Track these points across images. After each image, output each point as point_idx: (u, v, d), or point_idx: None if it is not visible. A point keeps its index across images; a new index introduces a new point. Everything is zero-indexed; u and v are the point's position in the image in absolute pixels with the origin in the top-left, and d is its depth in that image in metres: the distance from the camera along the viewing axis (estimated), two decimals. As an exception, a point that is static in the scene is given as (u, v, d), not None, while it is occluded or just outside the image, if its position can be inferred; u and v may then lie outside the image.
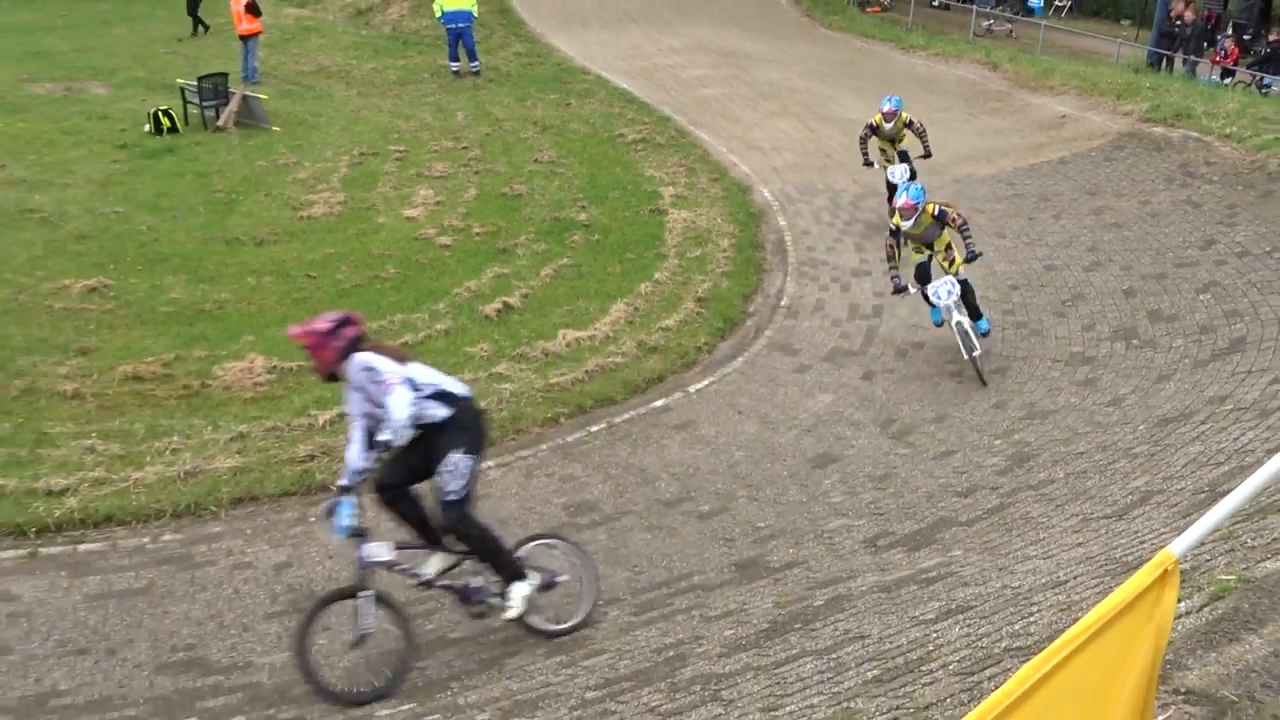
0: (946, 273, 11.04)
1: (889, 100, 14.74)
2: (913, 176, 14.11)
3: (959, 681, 4.79)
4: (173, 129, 17.61)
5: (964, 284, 11.04)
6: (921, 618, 5.95)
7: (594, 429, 10.30)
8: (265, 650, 7.40)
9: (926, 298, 11.24)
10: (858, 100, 20.76)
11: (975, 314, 11.19)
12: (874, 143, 15.08)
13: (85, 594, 8.00)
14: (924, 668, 5.11)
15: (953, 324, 10.95)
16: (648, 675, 6.15)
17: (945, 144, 18.06)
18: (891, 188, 14.22)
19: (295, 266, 13.35)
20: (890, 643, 5.68)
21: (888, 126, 14.72)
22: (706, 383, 11.19)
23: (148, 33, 23.77)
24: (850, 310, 12.72)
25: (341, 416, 10.08)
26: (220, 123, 18.01)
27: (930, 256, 11.44)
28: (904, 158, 14.85)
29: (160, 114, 17.58)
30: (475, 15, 22.09)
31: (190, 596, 8.01)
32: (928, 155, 14.95)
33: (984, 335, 11.27)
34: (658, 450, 10.01)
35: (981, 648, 5.16)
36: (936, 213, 10.90)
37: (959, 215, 11.05)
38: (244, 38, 20.66)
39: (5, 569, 8.21)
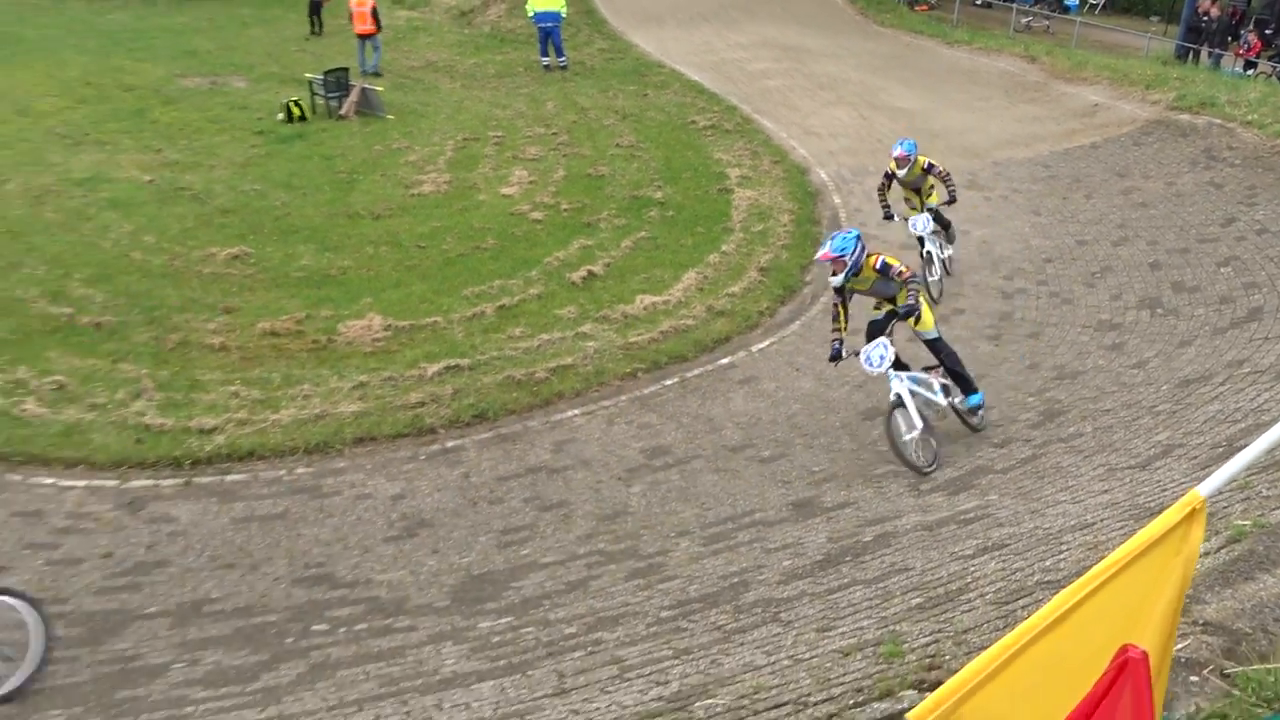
0: (912, 330, 8.62)
1: (900, 144, 11.69)
2: (945, 227, 12.14)
3: (995, 609, 4.75)
4: (302, 117, 17.77)
5: (937, 345, 8.57)
6: (960, 553, 5.90)
7: (668, 383, 10.31)
8: (383, 569, 7.57)
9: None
10: (907, 90, 20.34)
11: (964, 385, 8.66)
12: (898, 191, 12.27)
13: (232, 517, 8.24)
14: (963, 597, 5.08)
15: (891, 395, 8.18)
16: (715, 598, 6.18)
17: (986, 130, 17.66)
18: (920, 241, 11.84)
19: (407, 238, 13.47)
20: (932, 574, 5.64)
21: (901, 173, 11.73)
22: (768, 343, 11.12)
23: (281, 33, 23.98)
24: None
25: (450, 369, 10.25)
26: (342, 112, 18.15)
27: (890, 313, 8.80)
28: (927, 211, 11.91)
29: (291, 104, 17.75)
30: (563, 15, 21.95)
31: (320, 521, 8.22)
32: (951, 201, 11.86)
33: (973, 410, 8.72)
34: (724, 402, 9.99)
35: (1015, 580, 5.10)
36: (879, 266, 8.22)
37: (905, 268, 8.31)
38: (364, 36, 20.80)
39: (166, 495, 8.50)
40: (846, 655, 4.54)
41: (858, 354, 8.20)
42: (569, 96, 19.92)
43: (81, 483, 8.62)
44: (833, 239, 8.34)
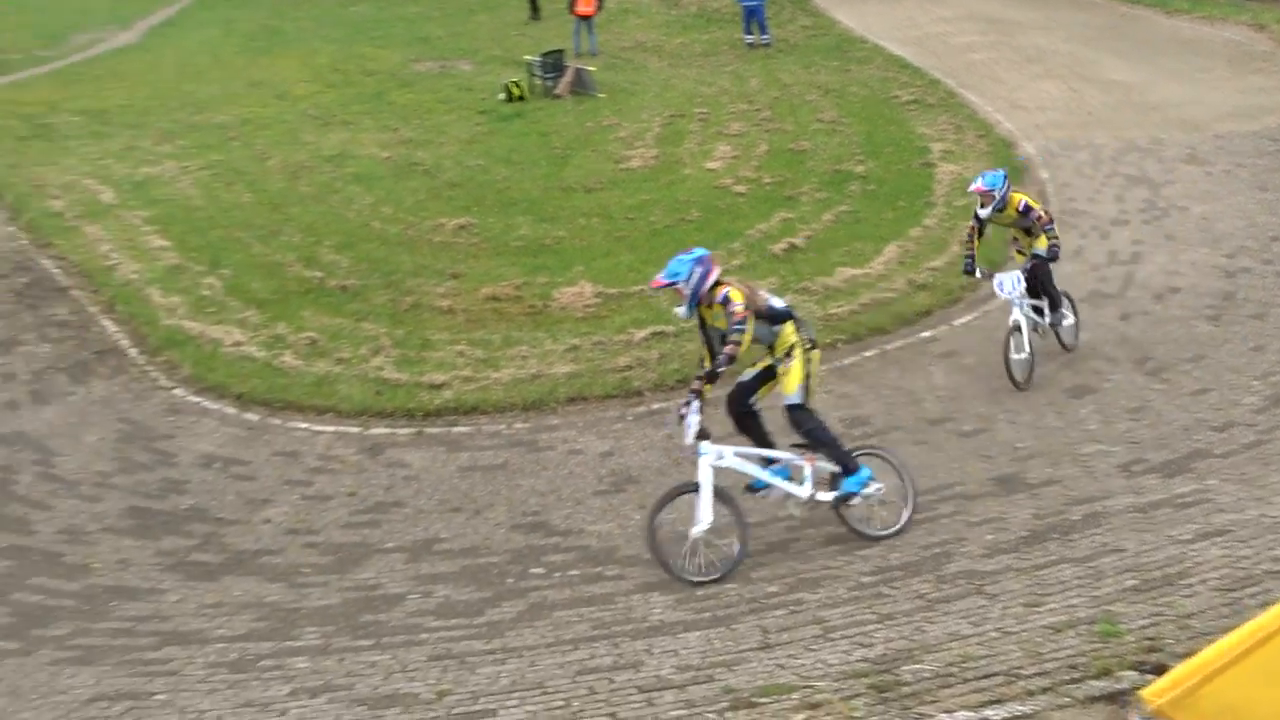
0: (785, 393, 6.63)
1: (981, 177, 9.29)
2: (1046, 289, 9.29)
3: (1219, 596, 4.42)
4: (521, 97, 18.26)
5: (796, 416, 6.56)
6: (1178, 538, 5.52)
7: (867, 354, 10.09)
8: (593, 520, 7.76)
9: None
10: (1121, 62, 19.02)
11: (840, 463, 6.62)
12: (1007, 236, 10.12)
13: (458, 466, 8.65)
14: (1183, 582, 4.75)
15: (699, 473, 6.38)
16: (916, 567, 6.02)
17: (1208, 102, 16.33)
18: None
19: (617, 210, 13.67)
20: (1147, 557, 5.30)
21: (984, 212, 9.18)
22: (970, 318, 10.69)
23: (503, 18, 24.75)
24: (1109, 256, 11.75)
25: (656, 335, 10.36)
26: (558, 91, 18.56)
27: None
28: (1036, 260, 9.25)
29: (511, 85, 18.29)
30: (768, -6, 21.71)
31: (536, 473, 8.50)
32: (1051, 258, 9.20)
33: (844, 500, 6.64)
34: (924, 375, 9.67)
35: (1242, 569, 4.73)
36: (722, 298, 6.43)
37: (742, 307, 6.32)
38: (583, 18, 21.15)
39: (401, 443, 9.01)
40: (1058, 632, 4.33)
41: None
42: (772, 73, 19.67)
43: (330, 428, 9.26)
44: (677, 291, 6.47)
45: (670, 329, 10.45)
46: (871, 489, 6.65)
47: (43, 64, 21.58)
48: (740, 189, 14.13)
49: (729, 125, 16.67)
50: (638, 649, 5.20)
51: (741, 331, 6.32)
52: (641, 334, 10.42)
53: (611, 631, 5.60)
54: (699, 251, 6.60)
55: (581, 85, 18.68)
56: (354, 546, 7.50)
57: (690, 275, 6.44)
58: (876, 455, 6.95)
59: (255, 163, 15.45)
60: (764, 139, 16.01)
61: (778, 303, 6.75)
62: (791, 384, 6.58)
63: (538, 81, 18.80)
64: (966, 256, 9.53)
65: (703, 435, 6.45)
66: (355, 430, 9.24)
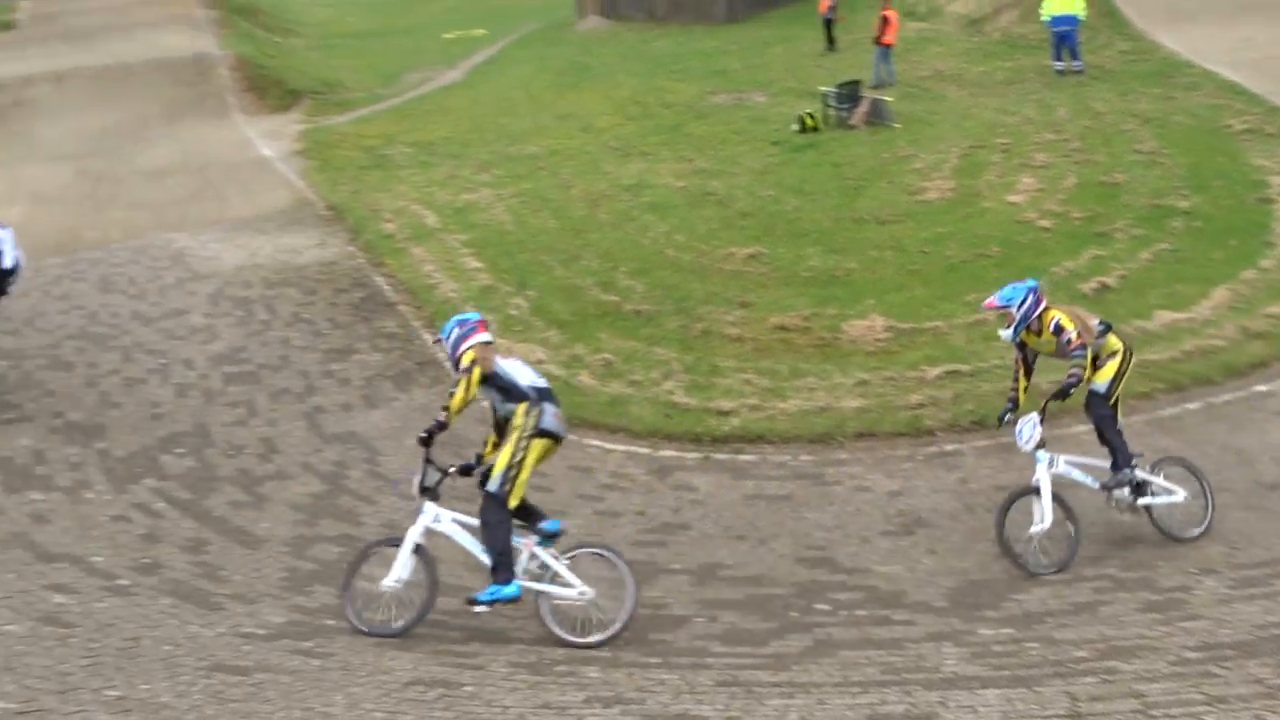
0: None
1: (999, 292, 7.44)
2: (1115, 463, 7.29)
3: None
4: (814, 128, 18.22)
5: (488, 501, 6.32)
6: None
7: (1190, 406, 9.24)
8: (881, 560, 7.59)
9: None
10: None
11: (495, 568, 6.35)
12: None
13: (743, 493, 8.74)
14: None
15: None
16: (1252, 648, 5.39)
17: None
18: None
19: (911, 243, 13.33)
20: None
21: (1005, 334, 7.34)
22: (1317, 372, 9.55)
23: (798, 50, 24.87)
24: None
25: (950, 373, 10.01)
26: (852, 122, 18.38)
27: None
28: (1090, 397, 7.36)
29: (805, 116, 18.31)
30: (1082, 18, 20.40)
31: (821, 508, 8.44)
32: (1061, 395, 7.10)
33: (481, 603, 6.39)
34: (1259, 433, 8.72)
35: None
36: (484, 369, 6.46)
37: (455, 391, 6.32)
38: (887, 47, 20.87)
39: (688, 466, 9.22)
40: None
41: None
42: (1083, 101, 18.50)
43: (621, 447, 9.64)
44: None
45: (966, 368, 10.07)
46: (574, 592, 6.33)
47: (381, 101, 24.06)
48: (1045, 223, 13.37)
49: (1033, 156, 15.83)
50: (931, 700, 5.01)
51: (451, 396, 6.27)
52: (935, 371, 10.10)
53: (902, 678, 5.43)
54: (469, 314, 6.65)
55: (877, 115, 18.41)
56: (642, 565, 7.69)
57: (450, 334, 6.46)
58: (598, 555, 6.57)
59: (560, 191, 16.42)
60: (1073, 171, 15.07)
61: (523, 381, 6.43)
62: (498, 466, 6.28)
63: (832, 112, 18.71)
64: (1009, 398, 7.61)
65: (428, 492, 6.50)
66: (645, 451, 9.55)
